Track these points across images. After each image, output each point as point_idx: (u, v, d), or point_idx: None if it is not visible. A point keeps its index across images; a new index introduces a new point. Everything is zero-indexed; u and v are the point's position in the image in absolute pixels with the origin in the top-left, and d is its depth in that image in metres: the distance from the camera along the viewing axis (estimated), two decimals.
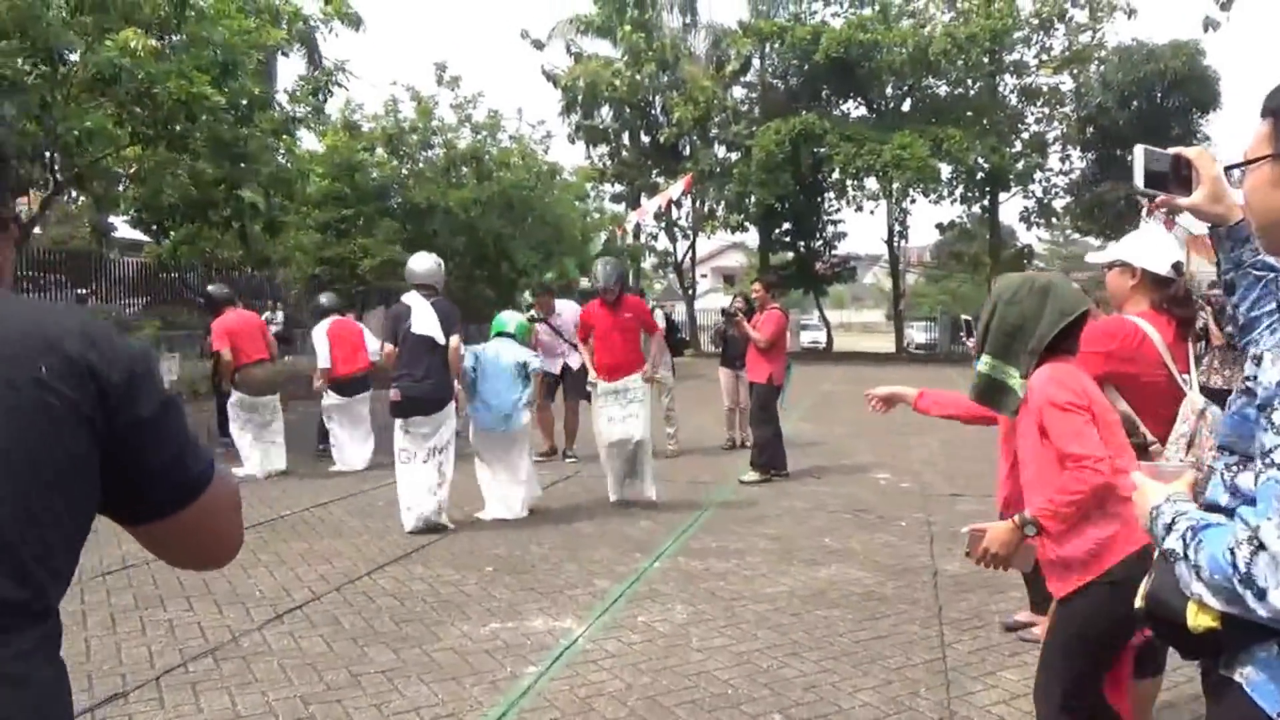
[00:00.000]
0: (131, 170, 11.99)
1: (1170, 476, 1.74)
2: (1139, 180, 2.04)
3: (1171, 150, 2.01)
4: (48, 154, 11.15)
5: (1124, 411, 3.06)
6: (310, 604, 4.95)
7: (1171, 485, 1.68)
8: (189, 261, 16.61)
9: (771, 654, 4.29)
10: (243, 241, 13.81)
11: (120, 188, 13.24)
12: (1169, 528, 1.56)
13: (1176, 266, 3.18)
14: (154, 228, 14.30)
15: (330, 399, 9.34)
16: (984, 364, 2.75)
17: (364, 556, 5.93)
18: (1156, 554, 1.64)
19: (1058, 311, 2.61)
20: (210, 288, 10.07)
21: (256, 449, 8.85)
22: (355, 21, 31.97)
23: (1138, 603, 1.68)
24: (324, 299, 10.09)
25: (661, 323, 10.22)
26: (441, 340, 6.58)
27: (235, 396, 8.88)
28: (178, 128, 10.38)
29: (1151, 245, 3.20)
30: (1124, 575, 2.32)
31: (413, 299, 6.73)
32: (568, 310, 9.94)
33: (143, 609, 4.85)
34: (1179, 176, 2.00)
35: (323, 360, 9.24)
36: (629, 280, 32.94)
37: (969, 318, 4.75)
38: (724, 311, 10.49)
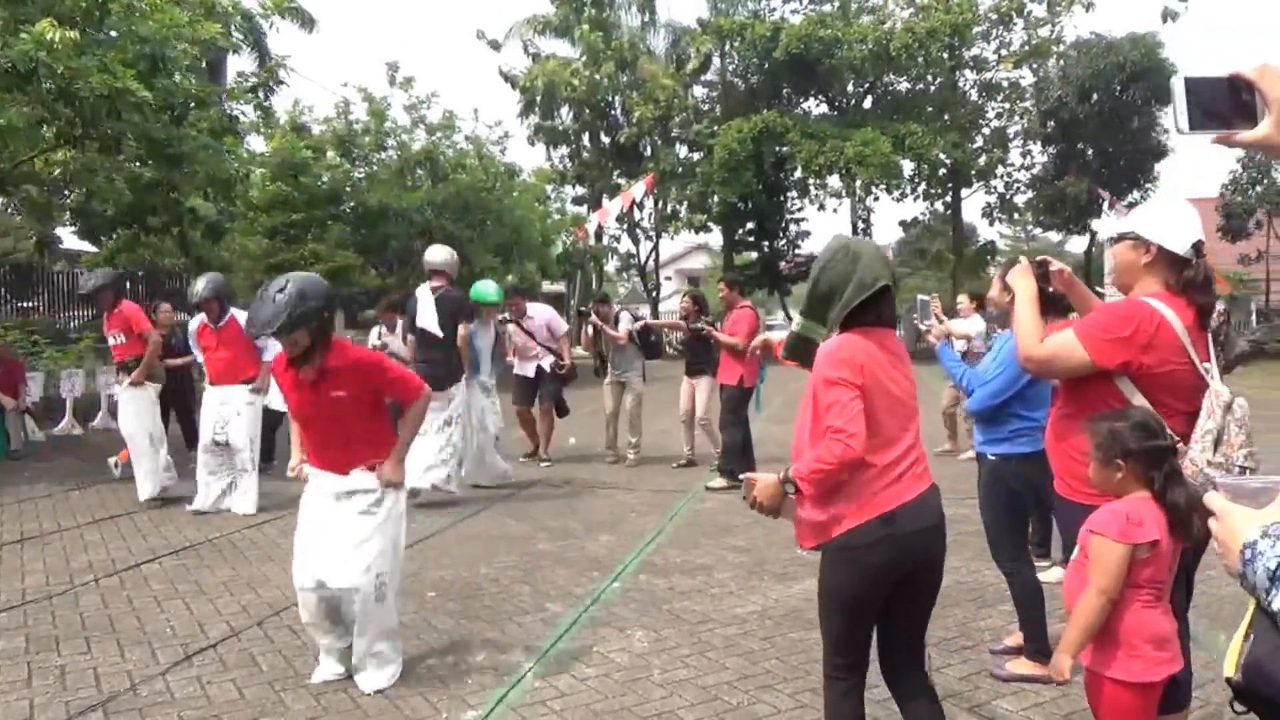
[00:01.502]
0: (55, 173, 11.30)
1: (1258, 498, 1.30)
2: (1183, 122, 1.61)
3: (1224, 73, 1.59)
4: None
5: (1141, 408, 2.64)
6: (226, 641, 4.42)
7: (1266, 512, 1.25)
8: (127, 270, 15.89)
9: (742, 687, 3.84)
10: (182, 247, 13.19)
11: (59, 194, 12.54)
12: (1276, 577, 1.13)
13: (1197, 247, 2.76)
14: (93, 236, 13.59)
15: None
16: (797, 323, 2.85)
17: (291, 585, 5.39)
18: (1251, 608, 1.20)
19: (858, 283, 2.63)
20: (96, 273, 8.38)
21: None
22: (308, 21, 31.33)
23: (1227, 672, 1.24)
24: (202, 285, 7.54)
25: (628, 324, 9.72)
26: (439, 334, 7.47)
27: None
28: (109, 129, 9.78)
29: (1171, 219, 2.77)
30: (851, 541, 2.59)
31: (421, 292, 7.68)
32: (539, 313, 9.89)
33: (33, 653, 4.30)
34: (1238, 105, 1.58)
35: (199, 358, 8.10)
36: (592, 283, 32.58)
37: (923, 297, 4.49)
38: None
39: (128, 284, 16.91)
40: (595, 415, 10.14)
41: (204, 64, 12.34)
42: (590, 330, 9.93)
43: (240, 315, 7.25)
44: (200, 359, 7.85)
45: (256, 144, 17.81)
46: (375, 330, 9.92)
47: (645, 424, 9.93)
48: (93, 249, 17.52)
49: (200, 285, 7.52)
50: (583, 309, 10.03)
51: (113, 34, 9.57)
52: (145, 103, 8.97)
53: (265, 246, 17.91)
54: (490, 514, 7.26)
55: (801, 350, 2.82)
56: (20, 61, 8.63)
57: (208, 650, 4.31)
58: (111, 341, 8.02)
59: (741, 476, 2.86)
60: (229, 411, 7.42)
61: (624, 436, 9.68)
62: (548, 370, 9.55)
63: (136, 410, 7.81)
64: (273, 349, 6.72)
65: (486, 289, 8.68)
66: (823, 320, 2.72)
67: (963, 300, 10.07)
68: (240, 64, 20.89)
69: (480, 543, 6.31)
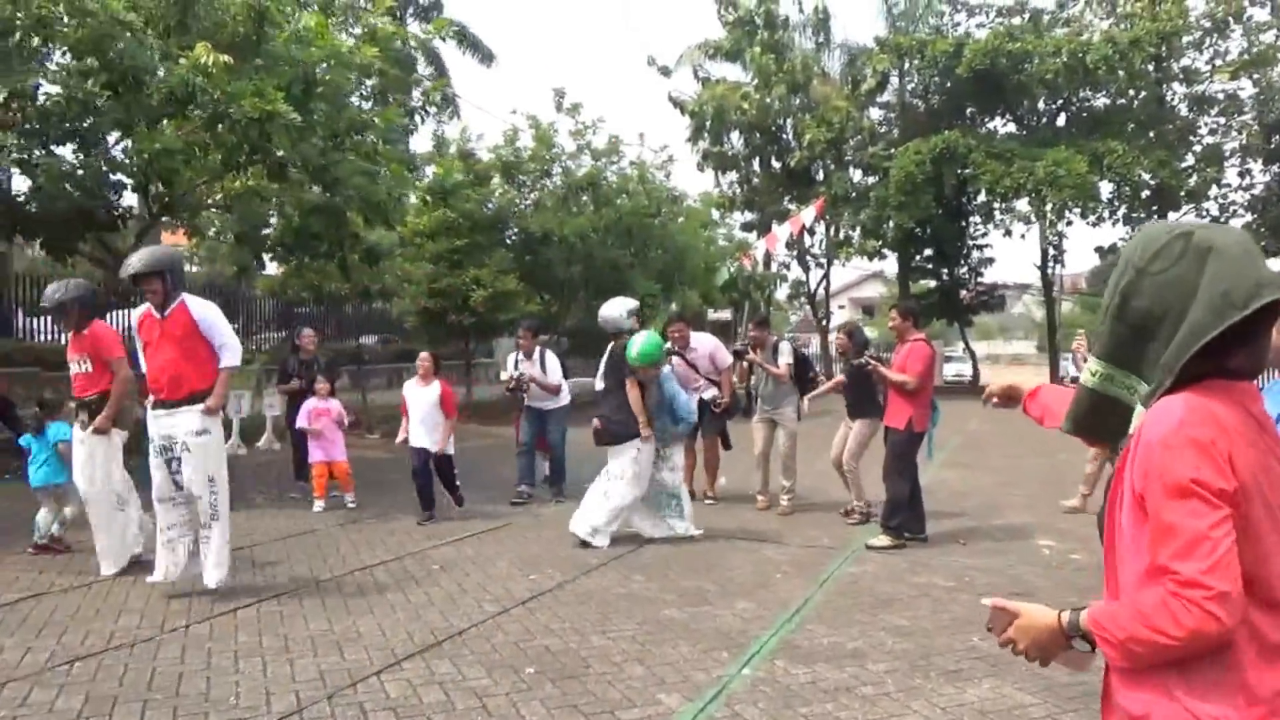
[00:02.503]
0: (217, 198, 11.49)
1: None
2: None
3: None
4: (146, 184, 10.81)
5: None
6: (287, 719, 3.85)
7: None
8: (296, 294, 16.26)
9: None
10: (343, 271, 13.26)
11: (215, 217, 12.84)
12: None
13: None
14: (259, 259, 13.87)
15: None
16: (1093, 370, 1.71)
17: (383, 645, 4.82)
18: None
19: (1220, 298, 1.49)
20: (63, 284, 6.31)
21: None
22: (487, 56, 32.10)
23: None
24: (141, 257, 5.84)
25: (788, 356, 8.84)
26: (599, 386, 7.61)
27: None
28: (279, 153, 9.78)
29: None
30: None
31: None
32: (703, 344, 9.14)
33: (85, 717, 3.86)
34: None
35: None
36: (760, 310, 31.67)
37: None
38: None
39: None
40: (742, 454, 9.27)
41: (382, 93, 12.35)
42: (742, 368, 9.14)
43: (197, 303, 5.76)
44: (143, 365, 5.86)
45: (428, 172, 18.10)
46: (512, 357, 9.43)
47: (801, 466, 8.98)
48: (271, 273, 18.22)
49: (137, 258, 5.75)
50: (738, 349, 9.18)
51: (262, 60, 9.57)
52: (294, 125, 8.86)
53: (430, 272, 18.03)
54: (617, 568, 6.52)
55: (1101, 416, 1.72)
56: (178, 86, 8.70)
57: (379, 674, 3.74)
58: (74, 370, 6.31)
59: (988, 602, 1.81)
60: (175, 441, 5.61)
61: (776, 480, 8.76)
62: (709, 402, 8.74)
63: (102, 461, 6.13)
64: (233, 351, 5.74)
65: (644, 348, 7.17)
66: (1138, 366, 1.64)
67: (1079, 341, 8.71)
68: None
69: (598, 604, 5.57)
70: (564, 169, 20.75)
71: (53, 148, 9.40)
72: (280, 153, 9.85)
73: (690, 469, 8.88)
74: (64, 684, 4.23)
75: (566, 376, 9.63)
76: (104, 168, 9.64)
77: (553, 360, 9.45)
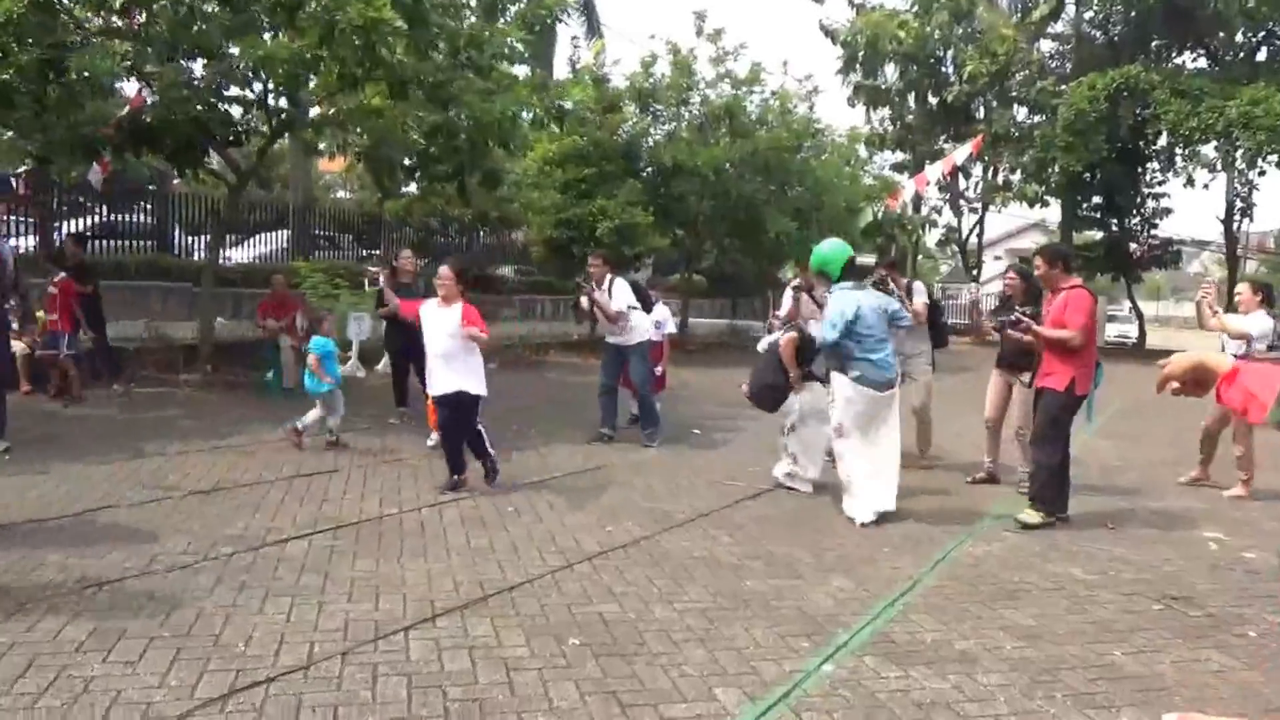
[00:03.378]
0: (336, 114, 11.19)
1: None
2: None
3: None
4: (265, 98, 10.64)
5: None
6: (283, 678, 3.40)
7: None
8: (421, 220, 16.06)
9: None
10: (461, 195, 12.87)
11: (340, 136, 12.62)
12: None
13: None
14: (380, 184, 13.65)
15: None
16: None
17: (425, 595, 4.34)
18: None
19: None
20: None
21: None
22: None
23: None
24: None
25: (924, 296, 7.90)
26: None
27: None
28: (394, 66, 9.35)
29: None
30: None
31: None
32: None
33: (86, 650, 3.52)
34: None
35: None
36: (907, 258, 29.89)
37: None
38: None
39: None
40: None
41: (492, 7, 11.79)
42: None
43: None
44: None
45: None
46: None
47: (936, 424, 8.09)
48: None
49: None
50: (876, 278, 8.06)
51: None
52: (402, 34, 8.38)
53: (557, 201, 17.56)
54: (704, 524, 5.88)
55: None
56: None
57: (254, 688, 3.30)
58: None
59: None
60: None
61: (913, 436, 7.89)
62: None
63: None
64: None
65: (829, 255, 6.45)
66: None
67: (1243, 290, 7.47)
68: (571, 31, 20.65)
69: (673, 568, 4.94)
70: (702, 98, 19.82)
71: (171, 60, 9.29)
72: (394, 64, 9.44)
73: None
74: (79, 611, 3.94)
75: (648, 310, 8.84)
76: (219, 78, 9.48)
77: (621, 288, 8.61)
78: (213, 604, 4.11)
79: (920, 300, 7.82)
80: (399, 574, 4.65)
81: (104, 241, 15.59)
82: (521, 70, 12.03)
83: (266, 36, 9.04)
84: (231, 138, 10.79)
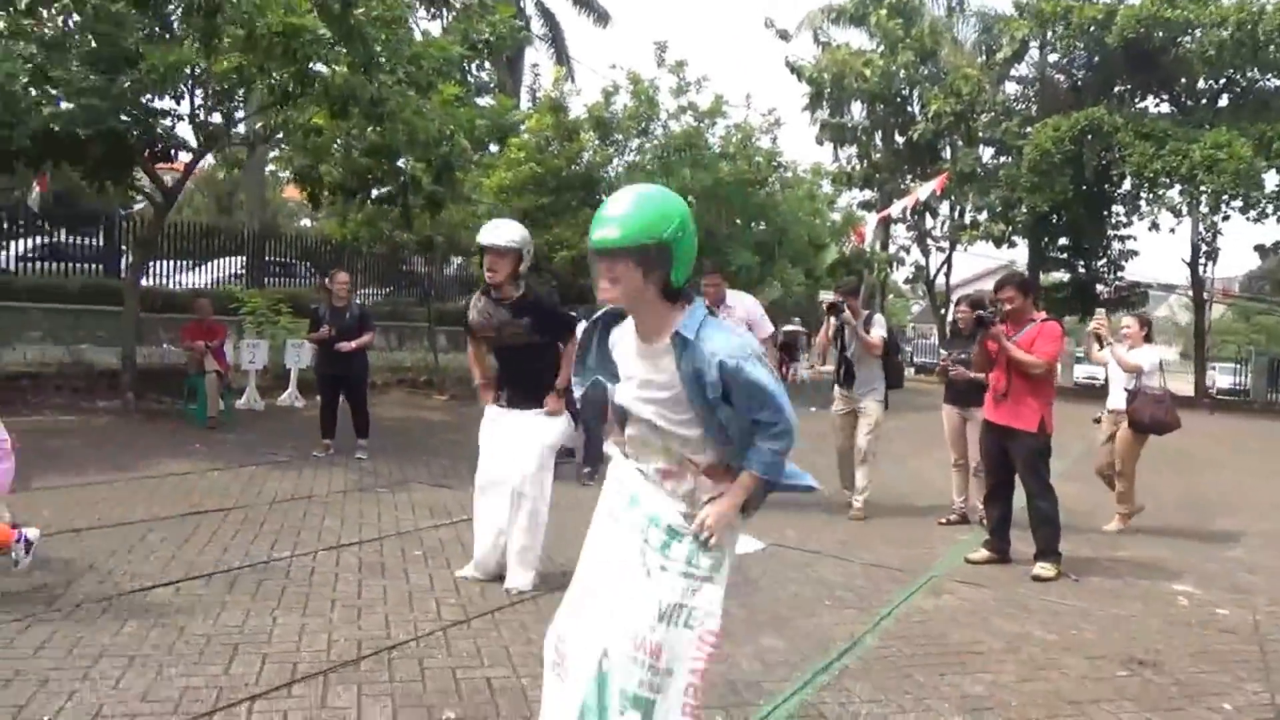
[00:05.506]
0: (258, 127, 10.67)
1: None
2: None
3: None
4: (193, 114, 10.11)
5: None
6: (289, 686, 2.81)
7: None
8: (367, 245, 15.51)
9: None
10: (405, 220, 12.35)
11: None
12: None
13: None
14: (316, 203, 13.04)
15: None
16: None
17: (289, 656, 3.74)
18: None
19: None
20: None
21: None
22: (602, 16, 31.21)
23: None
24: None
25: (883, 330, 7.42)
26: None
27: None
28: (314, 71, 8.85)
29: None
30: None
31: None
32: (740, 302, 7.39)
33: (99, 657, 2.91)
34: None
35: None
36: (875, 296, 29.71)
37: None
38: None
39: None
40: (810, 447, 7.92)
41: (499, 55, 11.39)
42: (830, 328, 7.56)
43: None
44: None
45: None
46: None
47: (889, 463, 7.60)
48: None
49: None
50: (833, 300, 7.55)
51: None
52: (323, 41, 7.89)
53: None
54: None
55: None
56: None
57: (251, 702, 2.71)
58: None
59: None
60: None
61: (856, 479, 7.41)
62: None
63: None
64: None
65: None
66: None
67: (1130, 324, 7.48)
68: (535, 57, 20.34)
69: None
70: (664, 128, 19.50)
71: (91, 65, 8.73)
72: (329, 79, 8.95)
73: None
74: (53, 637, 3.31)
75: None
76: (136, 89, 8.90)
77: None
78: (29, 667, 3.49)
79: (878, 333, 7.37)
80: (267, 629, 4.06)
81: (46, 264, 14.93)
82: (486, 101, 11.64)
83: (185, 44, 8.50)
84: (157, 152, 10.21)
